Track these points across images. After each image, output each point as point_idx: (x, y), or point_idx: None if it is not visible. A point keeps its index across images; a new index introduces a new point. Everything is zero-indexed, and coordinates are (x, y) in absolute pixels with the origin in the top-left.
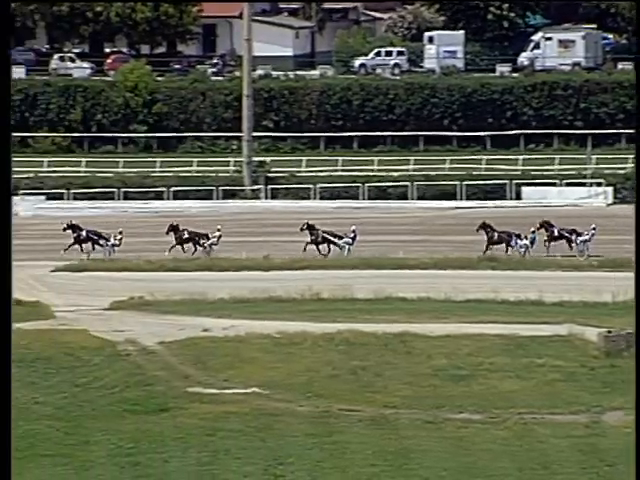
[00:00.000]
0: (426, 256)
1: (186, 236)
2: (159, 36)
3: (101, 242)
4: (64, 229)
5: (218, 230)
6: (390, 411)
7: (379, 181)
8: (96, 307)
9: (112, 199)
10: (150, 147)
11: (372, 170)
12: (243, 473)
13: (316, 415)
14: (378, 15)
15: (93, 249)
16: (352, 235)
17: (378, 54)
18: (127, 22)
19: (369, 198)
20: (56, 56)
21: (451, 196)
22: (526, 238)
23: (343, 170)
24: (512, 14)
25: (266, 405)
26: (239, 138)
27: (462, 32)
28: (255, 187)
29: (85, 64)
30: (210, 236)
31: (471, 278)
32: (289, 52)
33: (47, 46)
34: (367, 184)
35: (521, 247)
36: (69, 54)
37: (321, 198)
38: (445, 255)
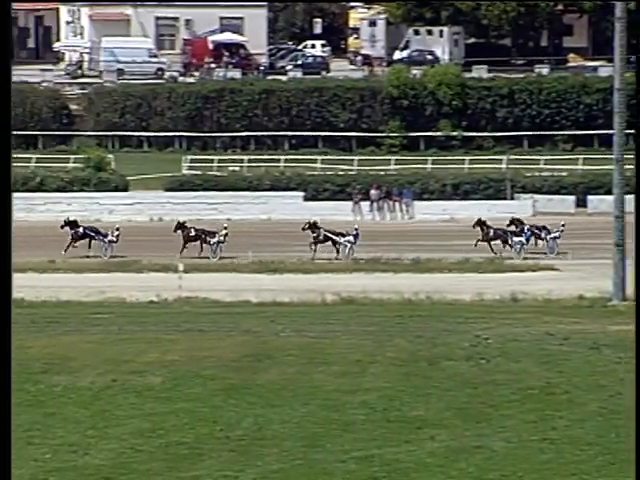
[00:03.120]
0: None
1: (192, 234)
2: None
3: (98, 239)
4: (62, 226)
5: (225, 228)
6: None
7: None
8: None
9: None
10: None
11: None
12: None
13: None
14: None
15: (89, 247)
16: (354, 233)
17: None
18: None
19: None
20: None
21: None
22: (520, 235)
23: None
24: None
25: None
26: None
27: None
28: None
29: None
30: (217, 235)
31: None
32: None
33: None
34: None
35: (517, 244)
36: None
37: None
38: None
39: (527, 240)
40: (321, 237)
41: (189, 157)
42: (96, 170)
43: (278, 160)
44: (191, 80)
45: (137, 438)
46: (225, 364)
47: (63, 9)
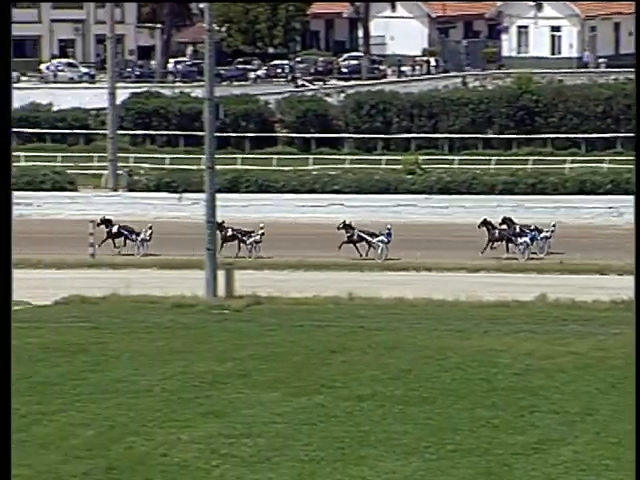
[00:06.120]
0: None
1: (230, 234)
2: None
3: (132, 237)
4: (98, 224)
5: (261, 228)
6: None
7: None
8: None
9: None
10: None
11: None
12: None
13: None
14: None
15: (124, 244)
16: (387, 232)
17: None
18: None
19: None
20: None
21: None
22: (524, 235)
23: None
24: None
25: None
26: None
27: None
28: None
29: None
30: (253, 234)
31: None
32: None
33: None
34: None
35: (521, 245)
36: None
37: None
38: None
39: (531, 240)
40: (355, 237)
41: None
42: None
43: None
44: None
45: None
46: None
47: None
